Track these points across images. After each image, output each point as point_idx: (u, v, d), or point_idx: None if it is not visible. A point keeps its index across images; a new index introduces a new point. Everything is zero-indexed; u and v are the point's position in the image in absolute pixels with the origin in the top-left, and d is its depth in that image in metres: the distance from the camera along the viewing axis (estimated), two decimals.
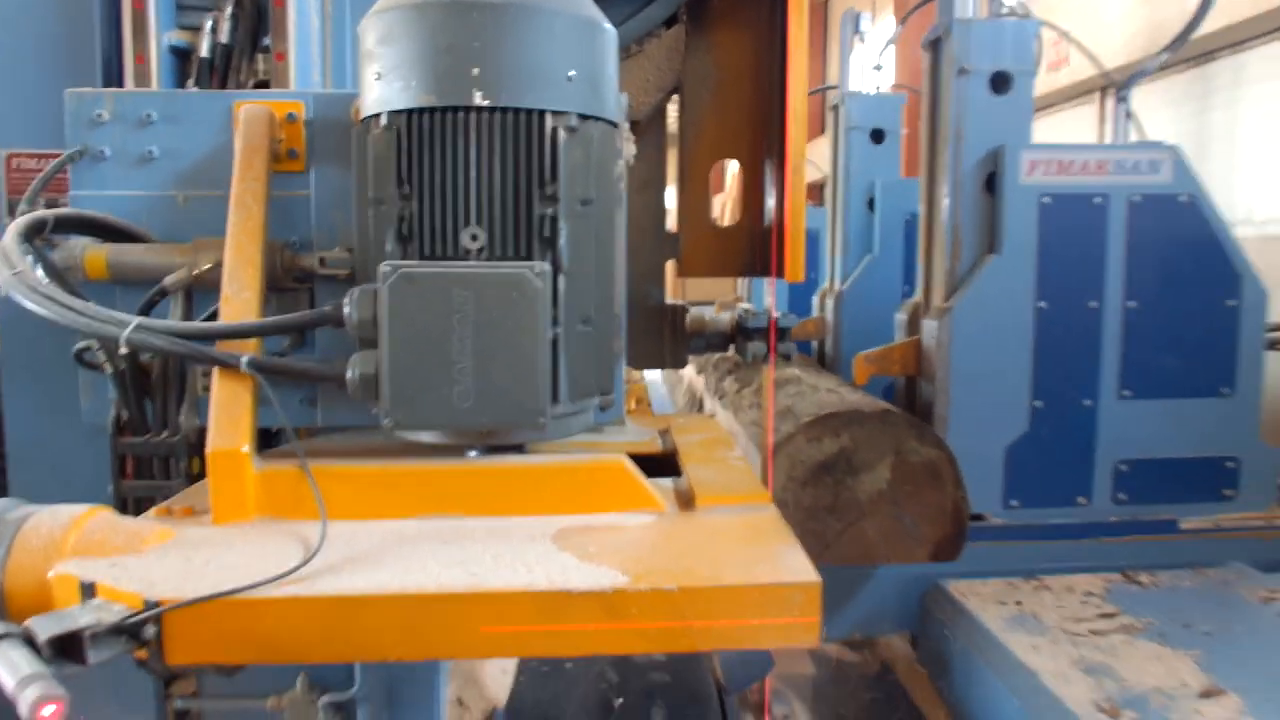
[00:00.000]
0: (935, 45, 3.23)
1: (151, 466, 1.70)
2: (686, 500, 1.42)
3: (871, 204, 5.00)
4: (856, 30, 6.02)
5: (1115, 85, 3.98)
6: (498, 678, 2.36)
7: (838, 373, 4.15)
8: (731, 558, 1.16)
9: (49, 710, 0.86)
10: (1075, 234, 2.99)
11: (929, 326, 3.12)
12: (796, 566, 1.12)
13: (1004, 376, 2.98)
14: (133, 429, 1.70)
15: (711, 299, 4.69)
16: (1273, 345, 3.64)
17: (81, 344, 1.73)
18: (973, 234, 3.06)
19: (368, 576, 1.09)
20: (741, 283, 7.96)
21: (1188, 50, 6.87)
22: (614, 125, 1.58)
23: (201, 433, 1.67)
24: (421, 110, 1.41)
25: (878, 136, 5.17)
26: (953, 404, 2.96)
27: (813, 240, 6.30)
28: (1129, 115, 3.90)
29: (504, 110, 1.41)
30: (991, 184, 3.05)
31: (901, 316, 3.47)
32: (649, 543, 1.23)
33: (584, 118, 1.48)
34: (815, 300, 5.28)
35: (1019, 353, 2.98)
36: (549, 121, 1.43)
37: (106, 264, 1.73)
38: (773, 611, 1.07)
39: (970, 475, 2.73)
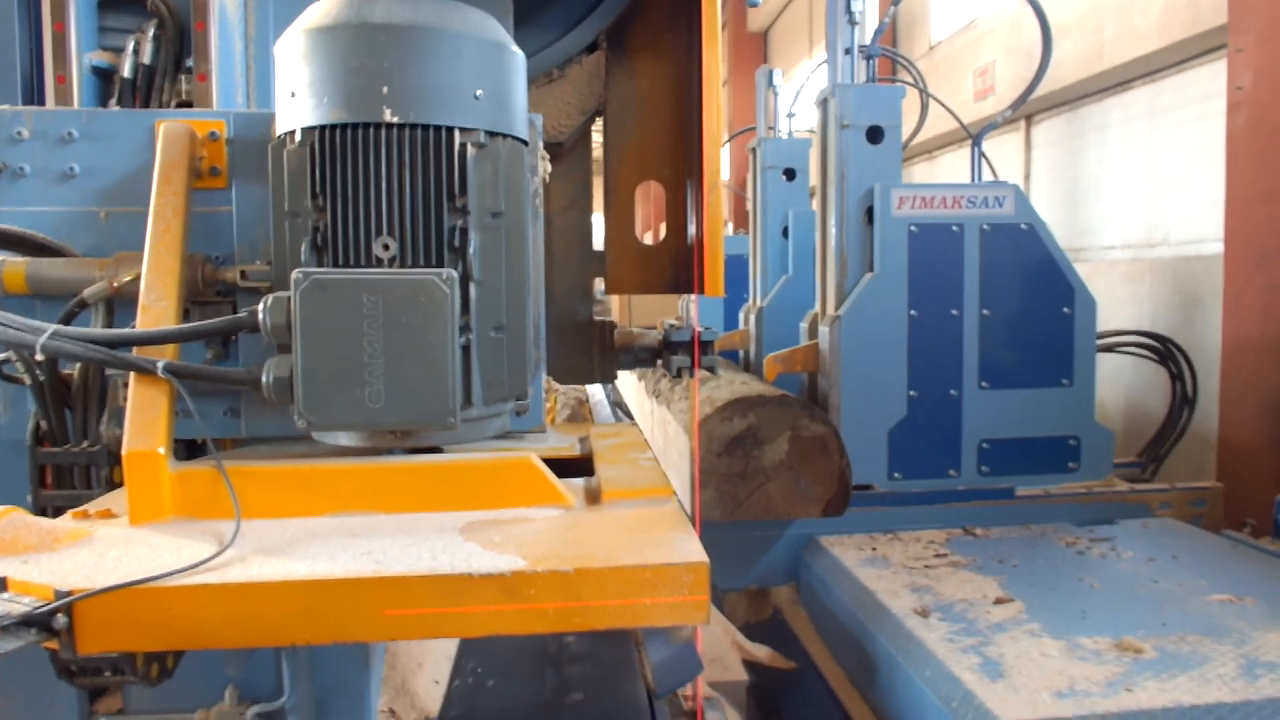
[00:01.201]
0: (824, 104, 3.92)
1: (72, 476, 1.72)
2: (594, 496, 1.48)
3: (786, 232, 5.79)
4: (770, 84, 7.20)
5: (973, 135, 4.66)
6: (430, 688, 2.39)
7: (758, 375, 4.68)
8: (627, 543, 1.22)
9: None
10: (938, 256, 3.65)
11: (824, 333, 3.74)
12: (687, 550, 1.19)
13: (885, 372, 3.62)
14: (53, 440, 1.72)
15: (655, 322, 4.93)
16: (1113, 349, 4.82)
17: (0, 357, 1.74)
18: (856, 257, 3.74)
19: (276, 566, 1.13)
20: (683, 304, 8.26)
21: (1101, 82, 7.22)
22: (524, 143, 1.65)
23: (121, 443, 1.69)
24: (334, 126, 1.47)
25: (790, 174, 6.04)
26: (844, 395, 3.60)
27: (741, 263, 6.78)
28: (983, 157, 4.66)
29: (413, 127, 1.47)
30: (870, 216, 3.71)
31: (804, 325, 4.14)
32: (551, 533, 1.29)
33: (492, 134, 1.55)
34: (741, 315, 6.05)
35: (896, 352, 3.62)
36: (457, 137, 1.50)
37: (25, 278, 1.75)
38: (663, 591, 1.13)
39: (859, 452, 3.40)
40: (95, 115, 1.90)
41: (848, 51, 3.98)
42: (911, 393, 3.61)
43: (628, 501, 1.44)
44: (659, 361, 2.75)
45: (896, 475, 3.61)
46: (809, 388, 3.99)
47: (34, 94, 2.09)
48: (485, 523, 1.32)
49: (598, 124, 2.77)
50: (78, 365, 1.71)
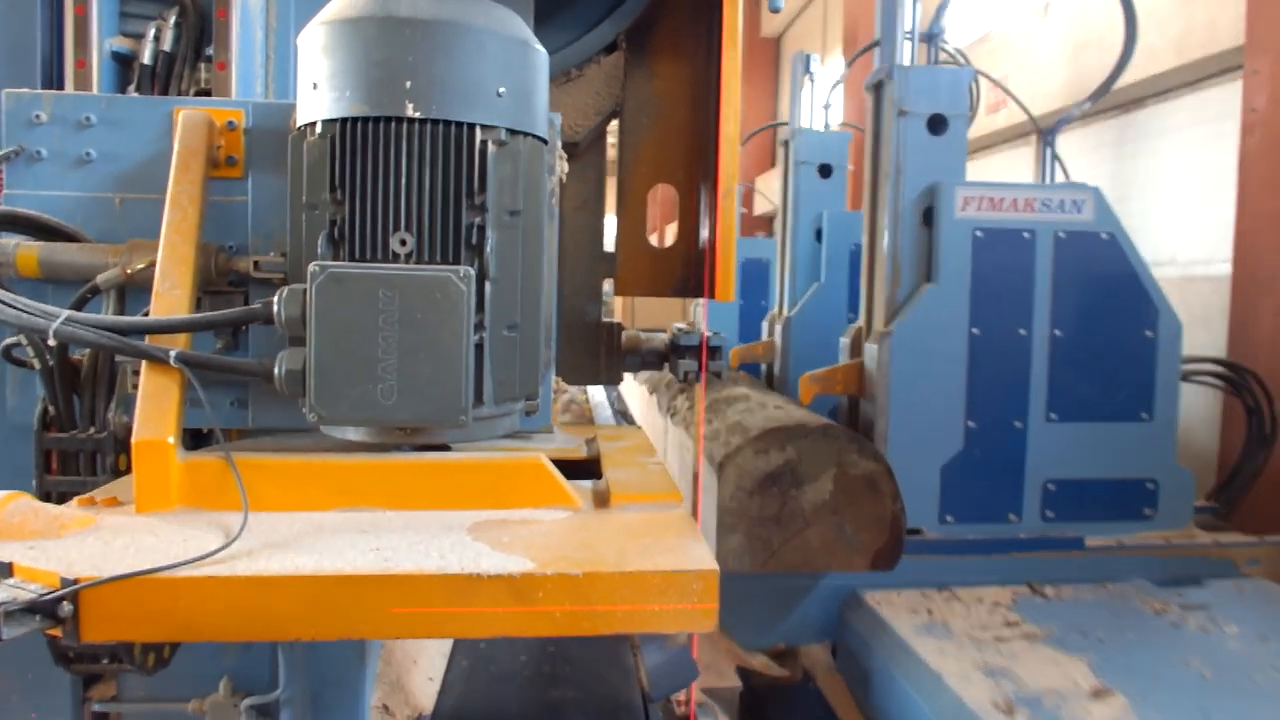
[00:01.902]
0: (878, 88, 3.41)
1: (78, 462, 1.71)
2: (602, 499, 1.47)
3: (819, 235, 5.25)
4: (806, 70, 6.29)
5: (1043, 130, 4.24)
6: (425, 686, 2.38)
7: (785, 393, 4.28)
8: (637, 548, 1.21)
9: None
10: (1005, 266, 3.18)
11: (871, 350, 3.28)
12: (697, 556, 1.18)
13: (940, 398, 3.14)
14: (60, 425, 1.71)
15: (661, 327, 4.78)
16: (1186, 377, 3.94)
17: (10, 340, 1.74)
18: (911, 264, 3.25)
19: (284, 560, 1.13)
20: (694, 309, 8.17)
21: (1115, 98, 7.21)
22: (543, 141, 1.64)
23: (129, 430, 1.68)
24: (355, 119, 1.47)
25: (825, 171, 5.44)
26: (892, 423, 3.12)
27: (764, 268, 6.52)
28: (1055, 158, 4.17)
29: (435, 122, 1.47)
30: (929, 218, 3.23)
31: (845, 340, 3.61)
32: (560, 535, 1.29)
33: (513, 133, 1.54)
34: (765, 325, 5.45)
35: (954, 376, 3.15)
36: (479, 134, 1.50)
37: (39, 262, 1.75)
38: (673, 597, 1.13)
39: (908, 491, 2.87)
40: (114, 101, 1.89)
41: (908, 35, 3.45)
42: (969, 423, 3.14)
43: (636, 506, 1.43)
44: (665, 365, 2.75)
45: (949, 518, 3.14)
46: (848, 413, 3.54)
47: (53, 78, 2.09)
48: (494, 523, 1.31)
49: (612, 125, 2.77)
50: (88, 351, 1.71)
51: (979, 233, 3.18)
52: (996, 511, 3.19)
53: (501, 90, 1.52)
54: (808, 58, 6.38)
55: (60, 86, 2.08)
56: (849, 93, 11.08)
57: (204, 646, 1.97)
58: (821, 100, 6.35)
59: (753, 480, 2.67)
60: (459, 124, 1.48)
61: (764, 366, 5.41)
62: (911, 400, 3.13)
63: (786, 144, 5.54)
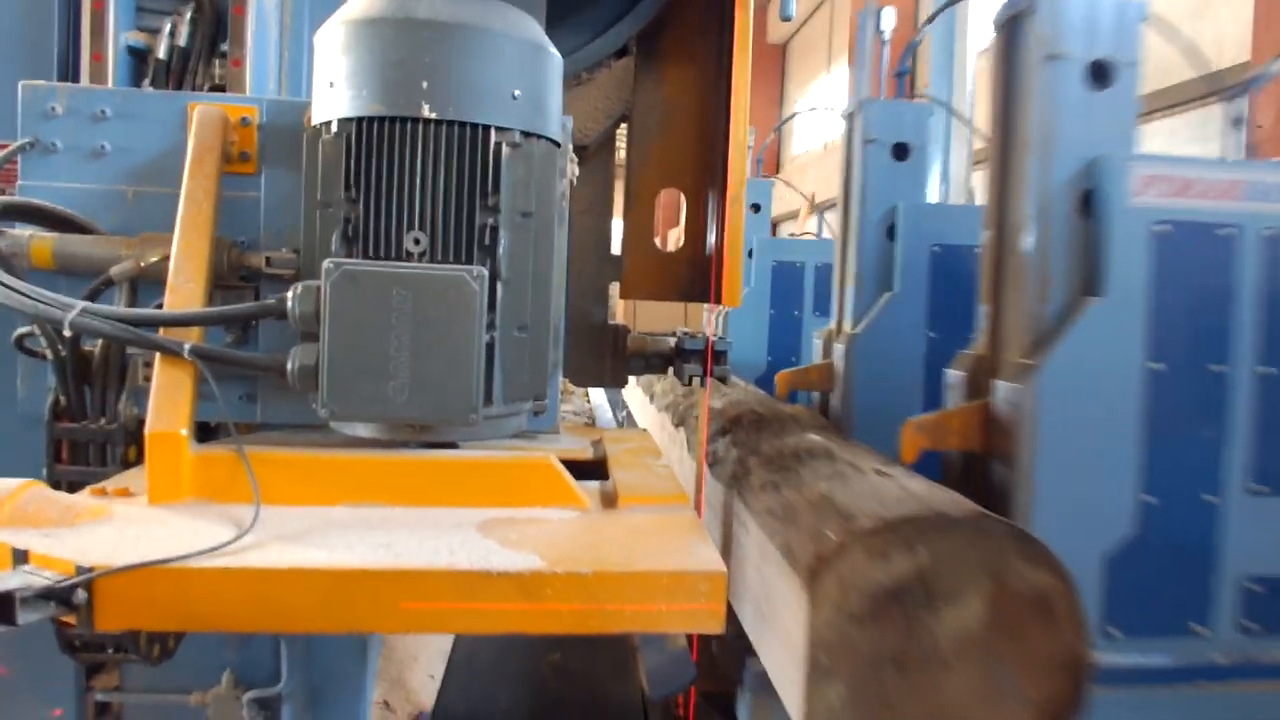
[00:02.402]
0: (1011, 25, 2.56)
1: (88, 453, 1.72)
2: (609, 500, 1.49)
3: (891, 231, 4.14)
4: (877, 29, 4.95)
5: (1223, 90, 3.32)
6: (425, 683, 2.39)
7: (849, 431, 3.49)
8: (644, 548, 1.23)
9: None
10: (1199, 275, 2.30)
11: (1005, 390, 2.36)
12: (705, 557, 1.20)
13: (1104, 460, 2.26)
14: (71, 415, 1.72)
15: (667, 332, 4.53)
16: None
17: (22, 330, 1.75)
18: (1064, 269, 2.34)
19: (295, 553, 1.14)
20: (708, 315, 7.74)
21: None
22: (556, 144, 1.66)
23: (139, 422, 1.69)
24: (371, 119, 1.48)
25: (901, 152, 4.23)
26: (1038, 495, 2.22)
27: (798, 273, 5.61)
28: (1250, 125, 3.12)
29: (450, 123, 1.48)
30: (1087, 204, 2.35)
31: (954, 374, 2.64)
32: (568, 534, 1.30)
33: (527, 135, 1.56)
34: (817, 343, 4.37)
35: (1124, 429, 2.26)
36: (493, 136, 1.51)
37: (52, 253, 1.76)
38: (680, 598, 1.14)
39: None
40: (129, 95, 1.91)
41: None
42: (1146, 497, 2.25)
43: (644, 507, 1.45)
44: (670, 369, 2.76)
45: (1113, 631, 2.23)
46: (960, 473, 2.61)
47: (69, 71, 2.10)
48: (502, 521, 1.32)
49: (621, 129, 2.79)
50: (100, 342, 1.72)
51: (1162, 226, 2.28)
52: (1177, 622, 2.30)
53: (516, 93, 1.54)
54: (879, 13, 4.99)
55: (75, 79, 2.10)
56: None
57: (207, 639, 1.98)
58: (893, 68, 5.08)
59: (864, 599, 1.71)
60: (474, 125, 1.49)
61: (816, 396, 4.33)
62: (1065, 462, 2.23)
63: (851, 117, 4.40)
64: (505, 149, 1.51)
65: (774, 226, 19.13)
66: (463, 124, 1.49)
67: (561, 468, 1.45)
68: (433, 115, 1.46)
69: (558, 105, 1.66)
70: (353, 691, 2.13)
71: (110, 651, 1.84)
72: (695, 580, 1.14)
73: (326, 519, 1.30)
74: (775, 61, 19.26)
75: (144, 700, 2.08)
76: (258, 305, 1.53)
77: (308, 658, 2.07)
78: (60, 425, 1.72)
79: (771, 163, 19.44)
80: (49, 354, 1.71)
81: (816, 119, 16.94)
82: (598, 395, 8.31)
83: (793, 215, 16.59)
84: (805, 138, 17.65)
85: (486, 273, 1.41)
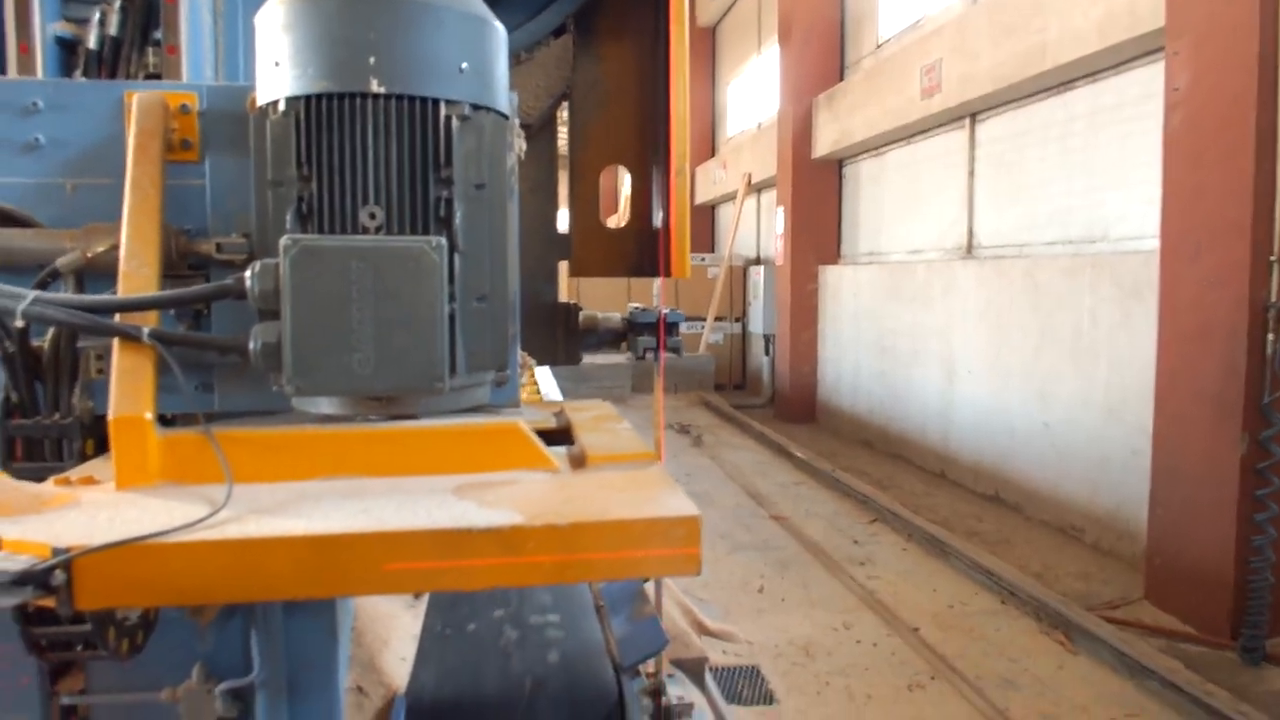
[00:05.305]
0: None
1: (44, 449, 1.69)
2: (579, 461, 1.51)
3: None
4: None
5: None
6: (397, 665, 2.39)
7: None
8: (618, 500, 1.26)
9: None
10: None
11: None
12: (678, 505, 1.23)
13: None
14: (23, 412, 1.69)
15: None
16: None
17: None
18: None
19: (275, 523, 1.15)
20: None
21: (1048, 80, 7.43)
22: (505, 117, 1.67)
23: (95, 416, 1.67)
24: (320, 96, 1.48)
25: None
26: None
27: None
28: None
29: (400, 97, 1.49)
30: None
31: None
32: (543, 492, 1.32)
33: (476, 108, 1.57)
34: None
35: None
36: (443, 110, 1.52)
37: None
38: (656, 543, 1.17)
39: None
40: (61, 85, 1.87)
41: None
42: None
43: (613, 465, 1.47)
44: (623, 344, 2.80)
45: None
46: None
47: None
48: (476, 484, 1.34)
49: (562, 111, 2.81)
50: (48, 337, 1.69)
51: None
52: None
53: (464, 66, 1.55)
54: None
55: (2, 73, 2.05)
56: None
57: (175, 634, 1.96)
58: None
59: None
60: (424, 99, 1.50)
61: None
62: None
63: None
64: (455, 121, 1.52)
65: (712, 208, 19.31)
66: (412, 98, 1.50)
67: (530, 431, 1.47)
68: (381, 90, 1.47)
69: (504, 78, 1.68)
70: (325, 678, 2.13)
71: (79, 649, 1.82)
72: (670, 526, 1.18)
73: (300, 492, 1.31)
74: (705, 44, 19.33)
75: (112, 701, 2.05)
76: (215, 286, 1.52)
77: (278, 646, 2.06)
78: (13, 423, 1.69)
79: (706, 145, 19.53)
80: None
81: (750, 100, 17.06)
82: (543, 376, 8.34)
83: (730, 196, 16.72)
84: (739, 119, 17.76)
85: (445, 242, 1.43)
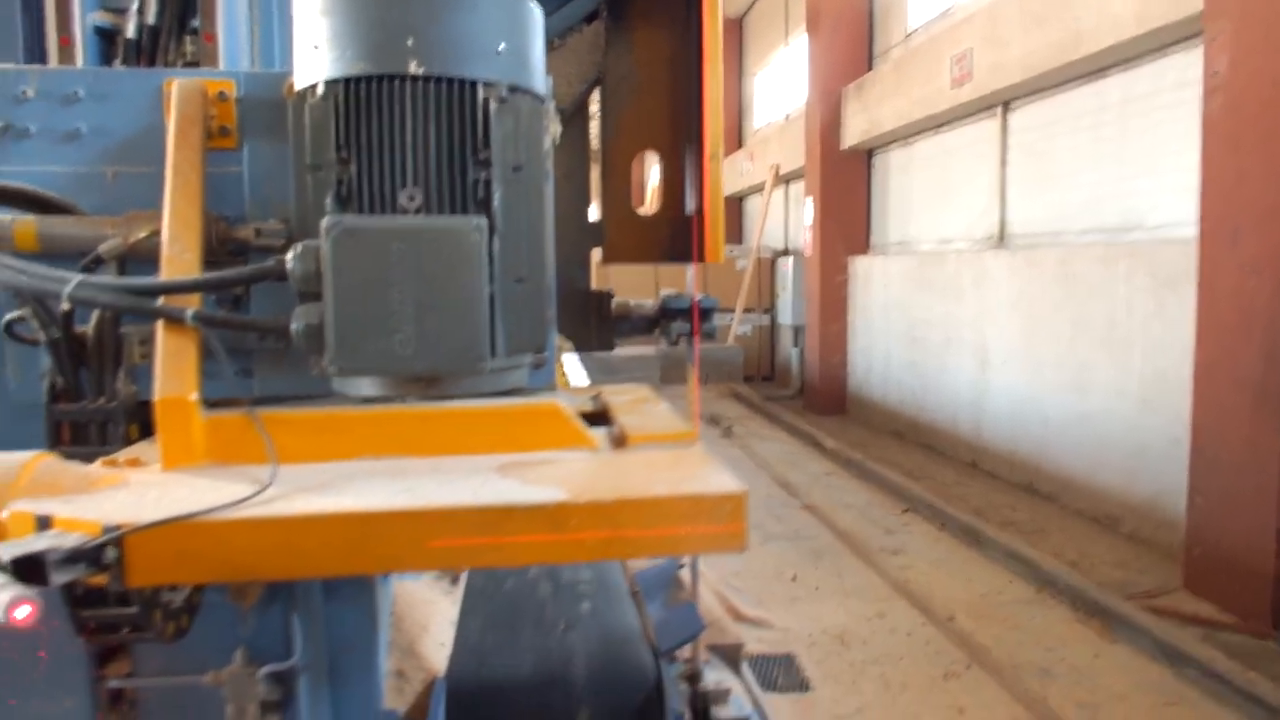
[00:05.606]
0: None
1: (89, 433, 1.72)
2: (619, 441, 1.51)
3: None
4: None
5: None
6: (436, 650, 2.41)
7: None
8: (662, 478, 1.25)
9: (23, 611, 0.91)
10: None
11: None
12: (723, 482, 1.22)
13: None
14: (68, 397, 1.72)
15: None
16: None
17: (11, 315, 1.73)
18: None
19: (321, 501, 1.15)
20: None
21: (1081, 68, 7.32)
22: (541, 100, 1.67)
23: (137, 400, 1.69)
24: (359, 79, 1.48)
25: None
26: None
27: None
28: None
29: (438, 79, 1.49)
30: None
31: None
32: (585, 470, 1.32)
33: (513, 89, 1.57)
34: None
35: None
36: (480, 91, 1.52)
37: (37, 235, 1.74)
38: (702, 520, 1.17)
39: None
40: (101, 74, 1.89)
41: None
42: None
43: (654, 445, 1.47)
44: (656, 330, 2.79)
45: None
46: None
47: (35, 55, 2.08)
48: (518, 463, 1.34)
49: (593, 101, 2.80)
50: (93, 323, 1.71)
51: None
52: None
53: (501, 47, 1.55)
54: None
55: (43, 63, 2.07)
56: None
57: (218, 618, 1.98)
58: None
59: None
60: (462, 80, 1.50)
61: None
62: None
63: None
64: (493, 103, 1.52)
65: (739, 200, 19.24)
66: (450, 79, 1.49)
67: (571, 411, 1.47)
68: (420, 71, 1.47)
69: (540, 60, 1.67)
70: (366, 661, 2.15)
71: (125, 631, 1.84)
72: (716, 503, 1.17)
73: (343, 472, 1.31)
74: (732, 36, 19.24)
75: (158, 685, 2.08)
76: (257, 268, 1.53)
77: (319, 630, 2.08)
78: (59, 407, 1.72)
79: (733, 137, 19.46)
80: (42, 336, 1.70)
81: (777, 91, 16.96)
82: (573, 368, 8.38)
83: (757, 188, 16.64)
84: (767, 110, 17.67)
85: (486, 222, 1.42)
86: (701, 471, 1.29)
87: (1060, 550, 6.55)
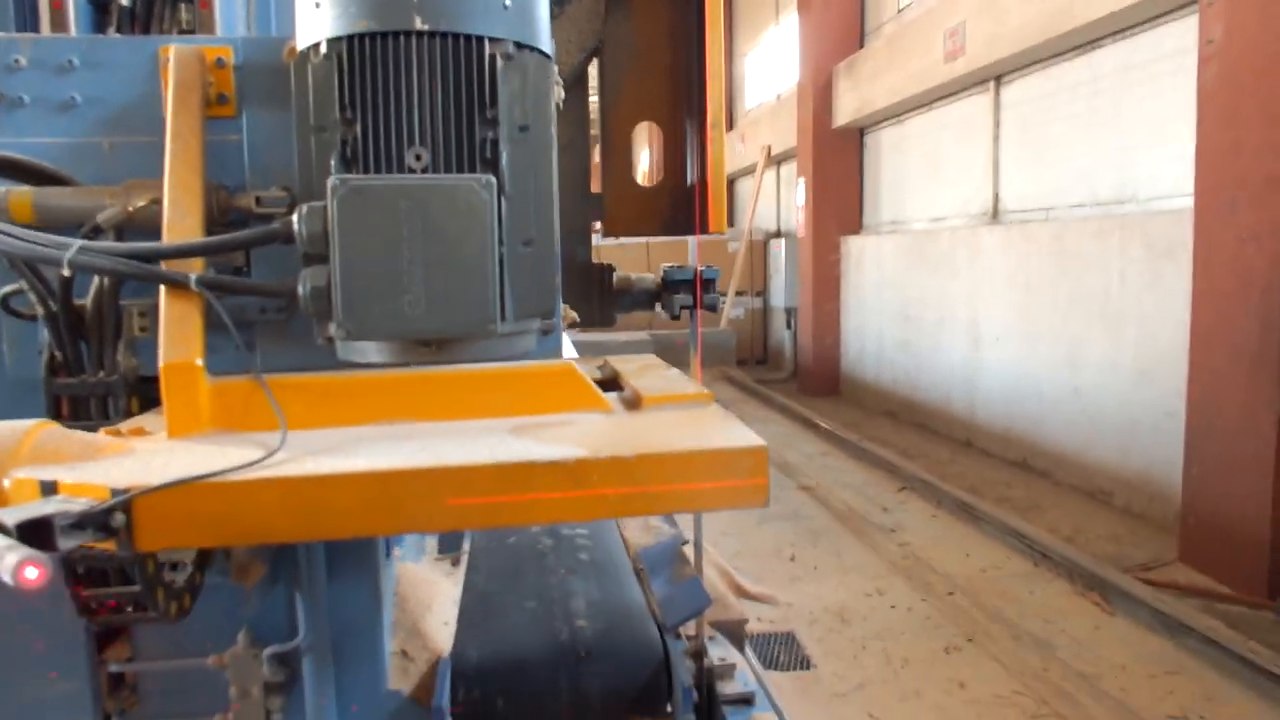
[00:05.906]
0: None
1: (89, 406, 1.68)
2: (633, 403, 1.48)
3: None
4: None
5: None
6: (440, 630, 2.38)
7: None
8: (681, 434, 1.23)
9: (33, 572, 0.88)
10: None
11: None
12: (744, 436, 1.20)
13: None
14: (68, 370, 1.68)
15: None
16: None
17: (8, 289, 1.70)
18: None
19: (335, 462, 1.13)
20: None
21: (1074, 39, 7.29)
22: (548, 57, 1.63)
23: (138, 374, 1.66)
24: (362, 35, 1.45)
25: None
26: None
27: None
28: None
29: (444, 35, 1.45)
30: None
31: None
32: (602, 430, 1.30)
33: (520, 46, 1.53)
34: None
35: None
36: (487, 47, 1.48)
37: (33, 206, 1.70)
38: (724, 474, 1.14)
39: None
40: (96, 42, 1.85)
41: None
42: None
43: (669, 405, 1.45)
44: (658, 304, 2.76)
45: None
46: None
47: (26, 21, 2.03)
48: (533, 425, 1.32)
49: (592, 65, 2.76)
50: (91, 296, 1.68)
51: None
52: None
53: (507, 3, 1.51)
54: None
55: (35, 30, 2.02)
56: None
57: (220, 600, 1.96)
58: None
59: None
60: (468, 36, 1.47)
61: None
62: None
63: None
64: (500, 60, 1.49)
65: (732, 182, 19.18)
66: (455, 35, 1.46)
67: (583, 373, 1.45)
68: (425, 27, 1.43)
69: (546, 17, 1.64)
70: (370, 641, 2.12)
71: (130, 610, 1.81)
72: (737, 457, 1.15)
73: (354, 436, 1.29)
74: (725, 19, 19.14)
75: (159, 668, 2.05)
76: (262, 230, 1.49)
77: (322, 611, 2.05)
78: (58, 381, 1.68)
79: (724, 119, 19.36)
80: (39, 310, 1.66)
81: (767, 71, 16.89)
82: (567, 350, 8.38)
83: (749, 170, 16.58)
84: (758, 91, 17.59)
85: (494, 180, 1.39)
86: (720, 426, 1.26)
87: (1055, 526, 6.57)
